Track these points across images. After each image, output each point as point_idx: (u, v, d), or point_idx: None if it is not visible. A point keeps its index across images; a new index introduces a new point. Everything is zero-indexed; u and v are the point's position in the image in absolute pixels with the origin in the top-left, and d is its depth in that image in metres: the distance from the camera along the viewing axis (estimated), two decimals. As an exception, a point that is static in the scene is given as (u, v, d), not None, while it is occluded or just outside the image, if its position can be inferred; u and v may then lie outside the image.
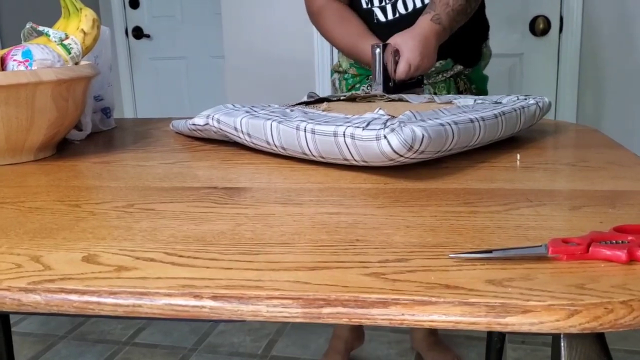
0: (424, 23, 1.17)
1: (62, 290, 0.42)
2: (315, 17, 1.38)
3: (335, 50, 1.68)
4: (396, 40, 1.15)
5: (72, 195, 0.68)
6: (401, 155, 0.67)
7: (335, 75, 1.50)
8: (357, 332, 1.80)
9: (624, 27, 2.12)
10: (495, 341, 1.20)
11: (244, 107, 0.88)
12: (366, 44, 1.20)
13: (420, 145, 0.66)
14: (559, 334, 0.44)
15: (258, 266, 0.45)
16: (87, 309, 0.42)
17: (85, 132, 1.06)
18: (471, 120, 0.76)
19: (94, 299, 0.42)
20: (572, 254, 0.44)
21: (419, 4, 1.28)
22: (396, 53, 1.13)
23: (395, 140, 0.65)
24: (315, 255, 0.47)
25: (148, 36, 3.15)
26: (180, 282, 0.43)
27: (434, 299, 0.39)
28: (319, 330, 2.00)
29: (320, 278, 0.43)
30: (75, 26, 0.95)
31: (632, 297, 0.38)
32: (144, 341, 2.00)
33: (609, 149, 0.86)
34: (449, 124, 0.72)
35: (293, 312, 0.40)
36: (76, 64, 0.93)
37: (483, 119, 0.78)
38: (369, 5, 1.33)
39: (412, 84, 1.19)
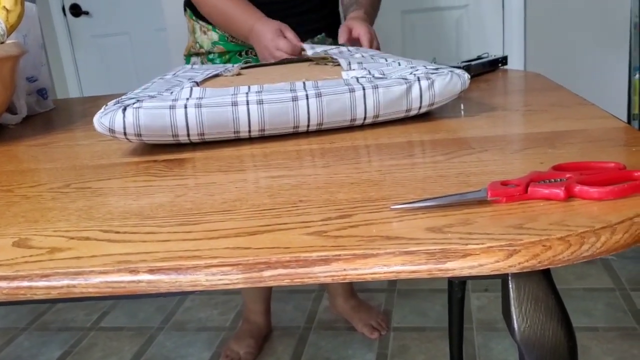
0: (356, 15, 1.25)
1: (-9, 278, 0.40)
2: None
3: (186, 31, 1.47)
4: (348, 23, 1.22)
5: (4, 181, 0.65)
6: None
7: (194, 59, 1.41)
8: (267, 319, 1.80)
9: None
10: (456, 291, 1.21)
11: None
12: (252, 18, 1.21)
13: (138, 128, 0.66)
14: (507, 276, 0.44)
15: (197, 236, 0.44)
16: (18, 295, 0.40)
17: (21, 116, 1.02)
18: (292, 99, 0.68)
19: (25, 283, 0.40)
20: (511, 196, 0.44)
21: None
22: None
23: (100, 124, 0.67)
24: (256, 220, 0.46)
25: (87, 13, 3.04)
26: (116, 258, 0.41)
27: (375, 251, 0.38)
28: (287, 298, 2.01)
29: (261, 242, 0.42)
30: (-3, 4, 0.90)
31: (570, 232, 0.38)
32: (109, 325, 1.97)
33: (552, 92, 0.87)
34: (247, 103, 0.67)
35: (233, 279, 0.39)
36: (1, 43, 0.88)
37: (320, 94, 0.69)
38: None
39: None
